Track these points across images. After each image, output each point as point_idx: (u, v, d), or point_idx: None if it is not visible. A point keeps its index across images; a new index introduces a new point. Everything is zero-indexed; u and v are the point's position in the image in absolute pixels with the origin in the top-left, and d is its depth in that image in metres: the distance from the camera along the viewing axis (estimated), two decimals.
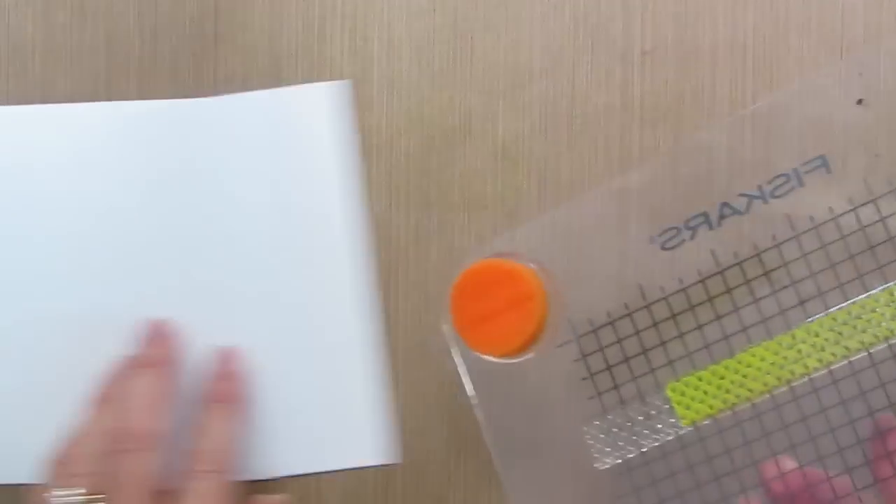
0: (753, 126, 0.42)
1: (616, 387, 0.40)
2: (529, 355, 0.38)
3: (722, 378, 0.39)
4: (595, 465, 0.40)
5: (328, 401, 0.43)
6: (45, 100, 0.45)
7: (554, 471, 0.41)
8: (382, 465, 0.44)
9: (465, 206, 0.45)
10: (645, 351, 0.39)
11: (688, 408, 0.39)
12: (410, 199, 0.45)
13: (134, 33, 0.45)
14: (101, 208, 0.44)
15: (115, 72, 0.45)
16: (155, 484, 0.39)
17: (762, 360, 0.39)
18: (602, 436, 0.40)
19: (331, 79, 0.45)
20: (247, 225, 0.44)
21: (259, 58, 0.45)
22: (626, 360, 0.39)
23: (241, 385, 0.43)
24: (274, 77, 0.45)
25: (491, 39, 0.45)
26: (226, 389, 0.43)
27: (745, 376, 0.39)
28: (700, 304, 0.39)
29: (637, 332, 0.39)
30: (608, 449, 0.40)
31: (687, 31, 0.44)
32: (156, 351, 0.43)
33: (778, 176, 0.40)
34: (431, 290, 0.44)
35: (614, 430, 0.40)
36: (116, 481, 0.39)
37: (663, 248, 0.40)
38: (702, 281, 0.39)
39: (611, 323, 0.40)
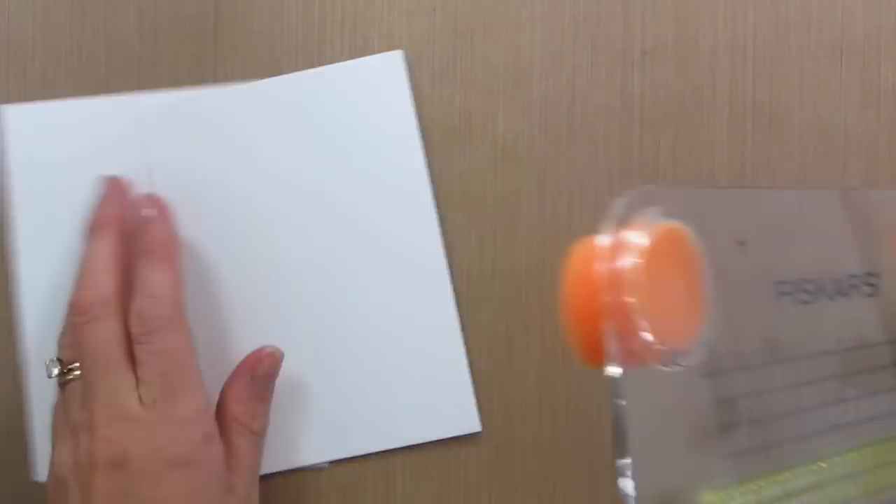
0: None
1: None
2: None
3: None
4: None
5: (415, 377, 0.44)
6: (45, 99, 0.45)
7: None
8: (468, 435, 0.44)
9: (465, 205, 0.45)
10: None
11: None
12: None
13: (134, 33, 0.45)
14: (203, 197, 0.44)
15: (115, 72, 0.45)
16: (121, 347, 0.39)
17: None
18: None
19: None
20: (329, 200, 0.44)
21: (259, 58, 0.45)
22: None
23: (166, 230, 0.42)
24: (274, 77, 0.45)
25: (491, 39, 0.45)
26: (150, 239, 0.41)
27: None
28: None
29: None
30: None
31: (687, 31, 0.44)
32: (104, 211, 0.42)
33: None
34: None
35: None
36: (83, 352, 0.39)
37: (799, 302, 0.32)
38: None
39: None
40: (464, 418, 0.44)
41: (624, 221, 0.28)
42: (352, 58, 0.45)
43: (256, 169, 0.44)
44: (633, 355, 0.27)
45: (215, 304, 0.44)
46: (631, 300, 0.27)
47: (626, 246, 0.27)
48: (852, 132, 0.44)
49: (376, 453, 0.44)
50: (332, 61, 0.45)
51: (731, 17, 0.44)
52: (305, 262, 0.44)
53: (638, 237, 0.27)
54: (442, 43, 0.45)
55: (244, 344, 0.43)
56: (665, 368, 0.27)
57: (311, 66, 0.45)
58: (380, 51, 0.45)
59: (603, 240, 0.27)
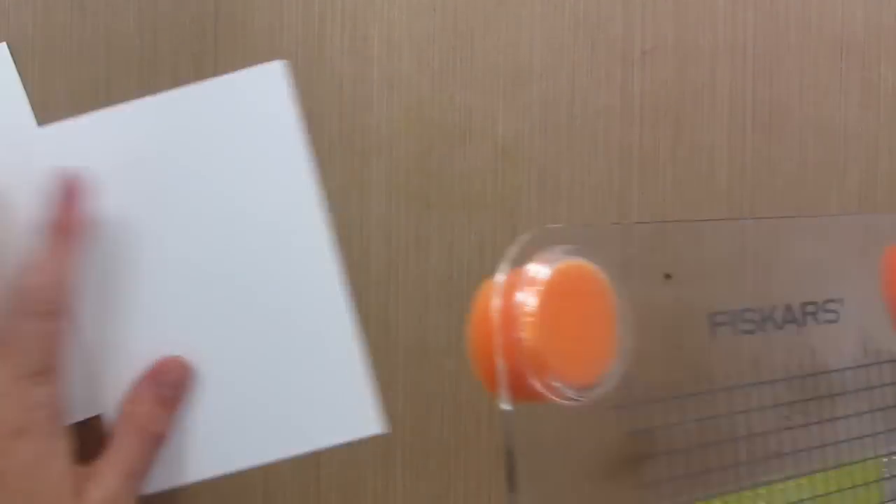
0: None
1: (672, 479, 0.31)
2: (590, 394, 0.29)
3: None
4: None
5: (310, 382, 0.44)
6: (45, 99, 0.45)
7: None
8: (374, 435, 0.44)
9: (465, 205, 0.45)
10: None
11: None
12: (410, 199, 0.45)
13: (134, 33, 0.45)
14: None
15: (115, 72, 0.45)
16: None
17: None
18: None
19: (331, 79, 0.45)
20: (217, 214, 0.44)
21: (259, 58, 0.45)
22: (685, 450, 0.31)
23: (81, 213, 0.42)
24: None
25: (491, 39, 0.45)
26: (64, 218, 0.41)
27: None
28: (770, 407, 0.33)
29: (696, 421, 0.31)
30: None
31: (687, 31, 0.44)
32: (61, 215, 0.41)
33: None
34: (431, 289, 0.44)
35: None
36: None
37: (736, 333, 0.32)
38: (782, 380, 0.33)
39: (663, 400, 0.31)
40: (364, 420, 0.44)
41: (524, 260, 0.28)
42: (352, 58, 0.45)
43: (146, 182, 0.44)
44: (528, 392, 0.27)
45: (107, 310, 0.44)
46: (524, 337, 0.26)
47: (523, 284, 0.27)
48: (852, 132, 0.44)
49: (375, 453, 0.44)
50: (332, 61, 0.45)
51: (731, 17, 0.44)
52: (197, 274, 0.44)
53: (535, 275, 0.27)
54: (442, 43, 0.45)
55: (138, 350, 0.43)
56: (565, 403, 0.27)
57: (311, 65, 0.45)
58: (380, 51, 0.45)
59: (499, 277, 0.27)
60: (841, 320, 0.34)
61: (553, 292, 0.27)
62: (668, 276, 0.31)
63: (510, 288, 0.27)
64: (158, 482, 0.43)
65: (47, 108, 0.45)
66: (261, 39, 0.45)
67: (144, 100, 0.44)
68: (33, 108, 0.45)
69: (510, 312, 0.27)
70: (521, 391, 0.26)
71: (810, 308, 0.33)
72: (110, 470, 0.40)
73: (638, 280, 0.30)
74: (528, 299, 0.27)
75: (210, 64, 0.45)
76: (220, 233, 0.44)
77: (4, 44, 0.44)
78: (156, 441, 0.42)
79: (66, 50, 0.45)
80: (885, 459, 0.34)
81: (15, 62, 0.45)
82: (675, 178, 0.44)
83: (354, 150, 0.45)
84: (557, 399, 0.27)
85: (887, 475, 0.34)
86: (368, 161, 0.45)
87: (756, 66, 0.44)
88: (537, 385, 0.27)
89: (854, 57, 0.44)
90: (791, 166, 0.44)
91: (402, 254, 0.45)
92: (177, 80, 0.45)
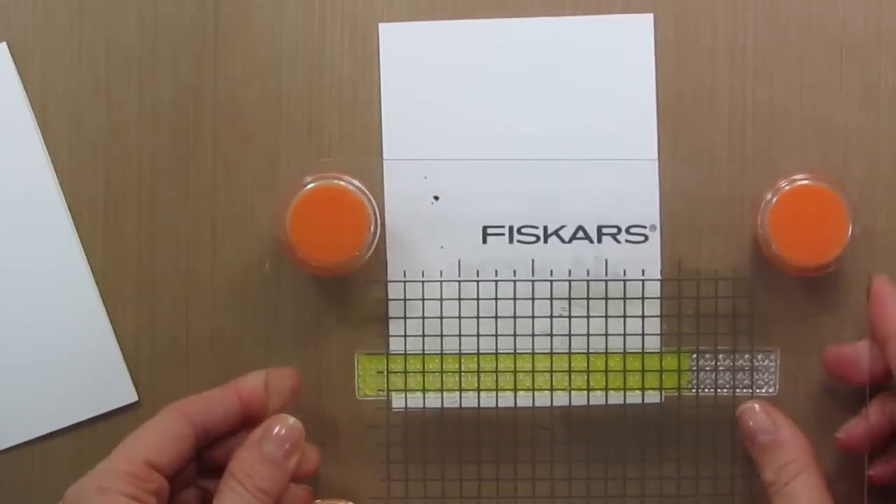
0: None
1: (404, 336, 0.44)
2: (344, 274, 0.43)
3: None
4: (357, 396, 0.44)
5: (69, 362, 0.45)
6: (45, 100, 0.45)
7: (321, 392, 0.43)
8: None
9: None
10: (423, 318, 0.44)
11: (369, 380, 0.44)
12: None
13: (134, 33, 0.45)
14: None
15: (115, 72, 0.45)
16: None
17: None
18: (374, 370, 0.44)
19: (331, 79, 0.45)
20: None
21: (259, 58, 0.45)
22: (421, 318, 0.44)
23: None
24: (274, 77, 0.45)
25: None
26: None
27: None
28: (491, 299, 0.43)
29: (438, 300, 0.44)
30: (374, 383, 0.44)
31: (687, 31, 0.44)
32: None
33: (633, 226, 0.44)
34: None
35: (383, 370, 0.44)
36: None
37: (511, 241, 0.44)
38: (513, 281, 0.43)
39: (422, 282, 0.44)
40: (121, 392, 0.45)
41: (299, 184, 0.42)
42: (352, 56, 0.45)
43: None
44: (309, 267, 0.42)
45: None
46: (287, 235, 0.42)
47: (288, 202, 0.42)
48: (852, 132, 0.44)
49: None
50: (332, 61, 0.45)
51: (731, 17, 0.44)
52: None
53: (293, 196, 0.42)
54: None
55: None
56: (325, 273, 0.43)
57: (311, 65, 0.45)
58: (380, 51, 0.45)
59: (284, 197, 0.42)
60: (650, 242, 0.44)
61: (306, 205, 0.42)
62: (436, 198, 0.44)
63: (283, 205, 0.42)
64: None
65: (47, 108, 0.45)
66: (261, 39, 0.45)
67: None
68: (33, 108, 0.45)
69: (280, 221, 0.42)
70: (302, 265, 0.42)
71: (609, 230, 0.43)
72: None
73: (411, 199, 0.44)
74: (288, 212, 0.42)
75: (210, 64, 0.45)
76: None
77: (4, 44, 0.45)
78: None
79: (66, 50, 0.45)
80: (693, 355, 0.43)
81: (15, 62, 0.45)
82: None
83: (355, 150, 0.45)
84: (316, 271, 0.43)
85: (694, 368, 0.43)
86: (369, 159, 0.45)
87: (756, 66, 0.44)
88: (307, 265, 0.42)
89: (854, 57, 0.44)
90: (791, 166, 0.44)
91: None
92: (177, 80, 0.45)
